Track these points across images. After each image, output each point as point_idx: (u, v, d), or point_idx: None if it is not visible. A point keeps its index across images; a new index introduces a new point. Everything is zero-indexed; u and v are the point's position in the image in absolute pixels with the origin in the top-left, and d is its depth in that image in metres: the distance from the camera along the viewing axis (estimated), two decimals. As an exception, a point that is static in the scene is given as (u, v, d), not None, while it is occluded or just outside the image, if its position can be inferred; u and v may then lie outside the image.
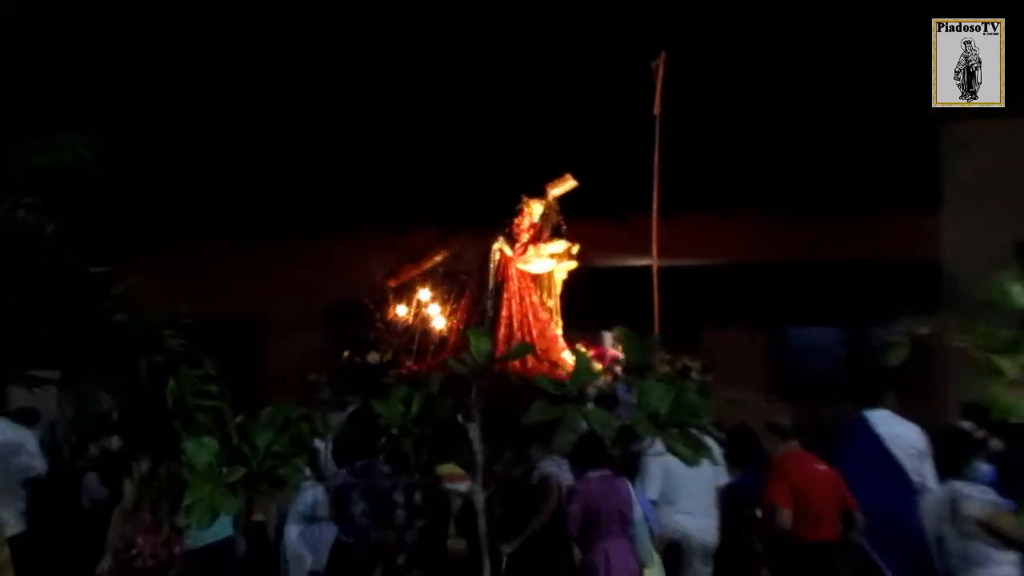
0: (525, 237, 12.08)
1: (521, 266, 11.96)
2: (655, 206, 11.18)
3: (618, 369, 10.53)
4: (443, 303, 12.54)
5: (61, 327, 5.64)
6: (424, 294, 12.56)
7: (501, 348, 10.07)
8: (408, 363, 11.86)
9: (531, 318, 11.82)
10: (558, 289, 12.27)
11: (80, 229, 5.98)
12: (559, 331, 12.05)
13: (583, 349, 10.13)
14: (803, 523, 6.59)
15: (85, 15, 12.72)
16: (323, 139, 14.00)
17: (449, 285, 12.57)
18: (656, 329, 10.56)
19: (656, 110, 11.21)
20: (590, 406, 4.44)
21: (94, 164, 6.21)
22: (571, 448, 6.56)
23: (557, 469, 7.18)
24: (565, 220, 12.17)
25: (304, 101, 13.68)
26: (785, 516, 6.57)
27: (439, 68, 13.31)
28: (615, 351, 11.18)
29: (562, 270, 12.26)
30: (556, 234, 12.14)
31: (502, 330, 11.66)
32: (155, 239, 13.51)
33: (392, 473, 6.45)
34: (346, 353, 12.18)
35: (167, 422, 4.37)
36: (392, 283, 13.07)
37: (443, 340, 12.15)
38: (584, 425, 4.40)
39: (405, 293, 12.81)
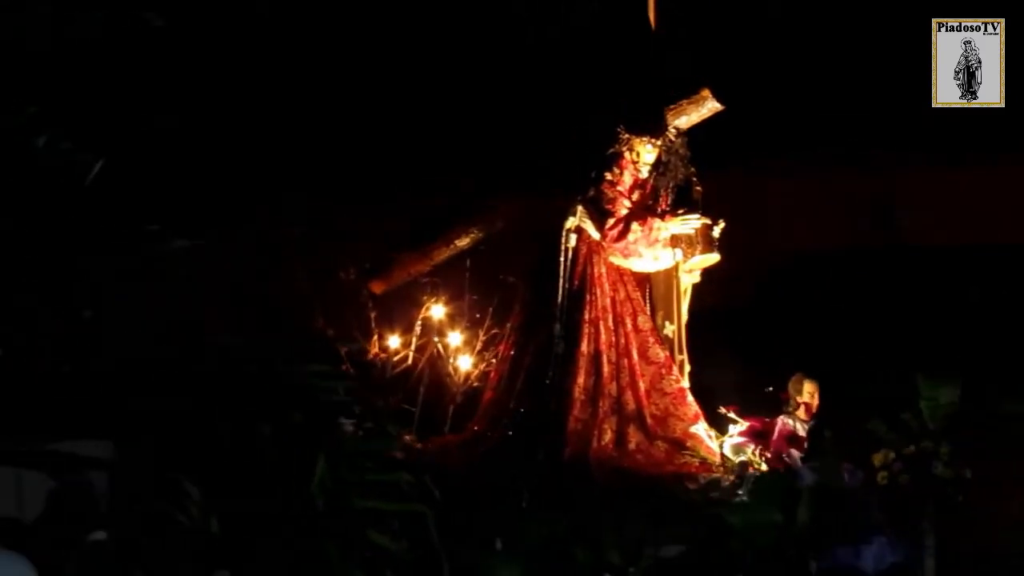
0: (625, 206, 7.35)
1: (618, 260, 7.36)
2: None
3: (795, 454, 7.16)
4: (471, 329, 8.31)
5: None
6: (437, 311, 8.26)
7: (577, 415, 7.02)
8: (407, 437, 7.76)
9: (635, 357, 7.24)
10: (686, 303, 7.53)
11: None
12: (686, 382, 7.37)
13: (733, 416, 7.20)
14: None
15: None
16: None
17: (483, 294, 8.43)
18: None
19: None
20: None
21: None
22: None
23: None
24: (699, 176, 7.45)
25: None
26: None
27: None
28: (790, 422, 7.45)
29: (695, 269, 7.48)
30: (684, 200, 7.43)
31: (580, 379, 7.24)
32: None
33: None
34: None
35: (316, 547, 2.75)
36: (377, 289, 8.70)
37: (470, 395, 8.02)
38: None
39: (401, 309, 8.53)
